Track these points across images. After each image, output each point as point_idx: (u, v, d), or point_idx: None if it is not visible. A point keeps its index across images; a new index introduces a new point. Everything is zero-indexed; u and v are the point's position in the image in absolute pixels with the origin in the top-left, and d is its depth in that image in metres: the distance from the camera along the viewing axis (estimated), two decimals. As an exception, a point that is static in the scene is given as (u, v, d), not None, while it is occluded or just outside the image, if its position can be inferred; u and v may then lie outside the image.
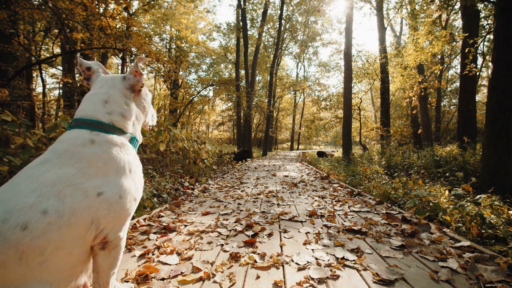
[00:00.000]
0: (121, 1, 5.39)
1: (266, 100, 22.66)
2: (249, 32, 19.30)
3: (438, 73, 15.15)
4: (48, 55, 13.23)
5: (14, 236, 0.71)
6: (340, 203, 3.13)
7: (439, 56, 14.11)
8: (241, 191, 4.02)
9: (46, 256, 0.74)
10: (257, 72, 25.05)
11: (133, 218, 2.36)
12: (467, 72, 6.82)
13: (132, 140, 1.06)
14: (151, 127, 1.31)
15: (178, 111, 16.53)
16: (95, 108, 0.99)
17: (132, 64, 1.06)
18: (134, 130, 1.09)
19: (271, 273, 1.38)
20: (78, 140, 0.90)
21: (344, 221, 2.34)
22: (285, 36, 22.90)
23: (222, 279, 1.30)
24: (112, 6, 5.80)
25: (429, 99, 15.49)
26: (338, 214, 2.61)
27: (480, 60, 13.73)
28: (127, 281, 1.27)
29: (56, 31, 9.13)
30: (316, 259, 1.53)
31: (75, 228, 0.79)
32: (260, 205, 3.05)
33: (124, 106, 1.04)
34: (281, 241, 1.84)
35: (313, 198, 3.44)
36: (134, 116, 1.08)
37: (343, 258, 1.53)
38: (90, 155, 0.88)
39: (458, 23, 16.96)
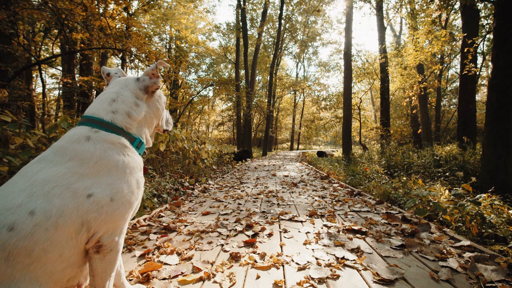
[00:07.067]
0: (121, 1, 5.38)
1: (266, 100, 22.67)
2: (249, 32, 19.31)
3: (438, 72, 15.14)
4: (48, 55, 13.23)
5: (0, 236, 0.69)
6: (340, 203, 3.13)
7: (439, 56, 14.10)
8: (241, 191, 4.02)
9: (34, 258, 0.72)
10: (257, 72, 25.10)
11: (133, 218, 2.36)
12: (466, 71, 6.82)
13: (135, 141, 1.02)
14: (166, 132, 1.29)
15: (178, 111, 16.53)
16: (100, 106, 0.98)
17: (151, 65, 1.06)
18: (138, 131, 1.05)
19: (271, 273, 1.38)
20: (75, 137, 0.89)
21: (344, 221, 2.34)
22: (285, 36, 22.90)
23: (222, 279, 1.30)
24: (112, 6, 5.80)
25: (429, 98, 15.50)
26: (338, 214, 2.61)
27: (480, 60, 13.75)
28: (131, 279, 1.27)
29: (56, 31, 9.13)
30: (316, 259, 1.53)
31: (63, 230, 0.76)
32: (260, 205, 3.05)
33: (133, 106, 1.02)
34: (281, 241, 1.84)
35: (313, 198, 3.44)
36: (141, 117, 1.05)
37: (343, 258, 1.53)
38: (82, 152, 0.85)
39: (458, 22, 16.99)
